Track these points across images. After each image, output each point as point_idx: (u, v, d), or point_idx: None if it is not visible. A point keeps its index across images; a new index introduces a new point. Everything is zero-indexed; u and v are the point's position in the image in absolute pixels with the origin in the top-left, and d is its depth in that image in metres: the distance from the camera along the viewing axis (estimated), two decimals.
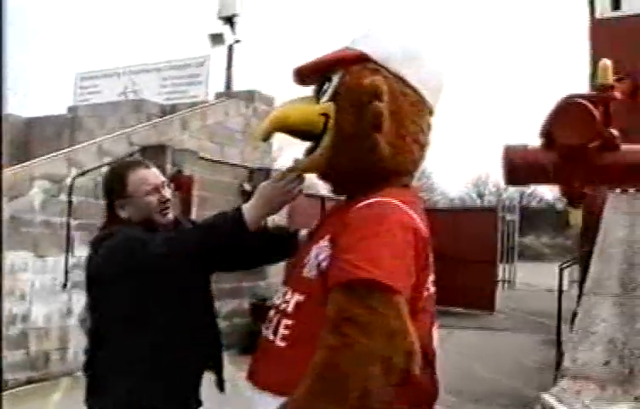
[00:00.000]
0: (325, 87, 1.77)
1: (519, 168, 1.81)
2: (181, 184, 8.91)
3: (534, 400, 2.25)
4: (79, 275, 7.01)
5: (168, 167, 8.89)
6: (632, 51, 5.63)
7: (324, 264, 1.58)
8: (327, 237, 1.63)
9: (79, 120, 12.86)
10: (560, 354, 8.83)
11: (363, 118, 1.66)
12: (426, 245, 1.59)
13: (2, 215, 5.91)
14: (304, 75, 1.82)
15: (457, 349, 9.21)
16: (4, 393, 6.64)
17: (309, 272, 1.63)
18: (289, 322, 1.60)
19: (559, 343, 9.03)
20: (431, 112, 1.81)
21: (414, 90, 1.72)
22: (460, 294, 13.13)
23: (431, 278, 1.68)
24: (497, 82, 78.62)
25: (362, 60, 1.72)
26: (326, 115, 1.73)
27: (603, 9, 6.31)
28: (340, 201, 1.85)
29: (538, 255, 37.41)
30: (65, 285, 7.60)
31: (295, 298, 1.63)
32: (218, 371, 2.51)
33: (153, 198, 2.37)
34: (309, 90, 1.86)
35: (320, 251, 1.62)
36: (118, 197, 2.40)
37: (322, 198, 14.31)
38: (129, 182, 2.38)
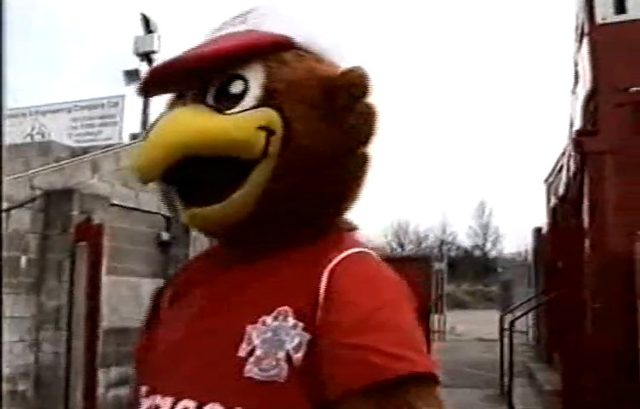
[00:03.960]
0: (236, 90, 1.07)
1: None
2: (90, 233, 8.11)
3: None
4: None
5: (76, 214, 8.14)
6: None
7: (298, 356, 0.96)
8: (284, 310, 1.00)
9: None
10: None
11: (343, 126, 1.06)
12: None
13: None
14: (185, 74, 1.10)
15: None
16: None
17: (264, 371, 0.97)
18: None
19: (510, 401, 8.49)
20: None
21: None
22: None
23: None
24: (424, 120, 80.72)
25: (285, 47, 1.11)
26: (268, 129, 1.04)
27: (606, 14, 5.89)
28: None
29: (459, 302, 38.12)
30: None
31: None
32: None
33: None
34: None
35: (279, 333, 0.98)
36: None
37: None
38: None
